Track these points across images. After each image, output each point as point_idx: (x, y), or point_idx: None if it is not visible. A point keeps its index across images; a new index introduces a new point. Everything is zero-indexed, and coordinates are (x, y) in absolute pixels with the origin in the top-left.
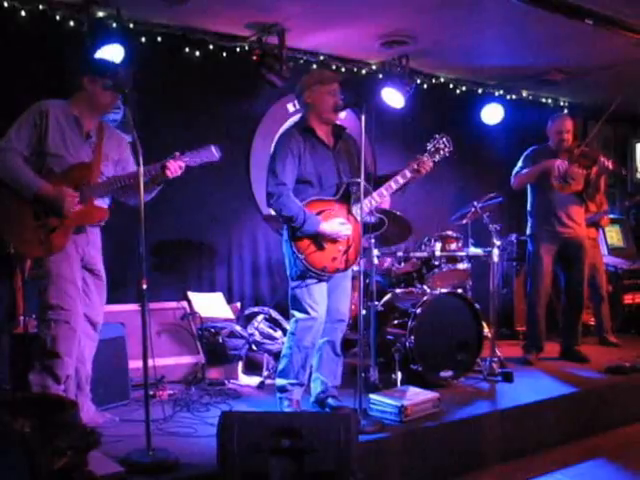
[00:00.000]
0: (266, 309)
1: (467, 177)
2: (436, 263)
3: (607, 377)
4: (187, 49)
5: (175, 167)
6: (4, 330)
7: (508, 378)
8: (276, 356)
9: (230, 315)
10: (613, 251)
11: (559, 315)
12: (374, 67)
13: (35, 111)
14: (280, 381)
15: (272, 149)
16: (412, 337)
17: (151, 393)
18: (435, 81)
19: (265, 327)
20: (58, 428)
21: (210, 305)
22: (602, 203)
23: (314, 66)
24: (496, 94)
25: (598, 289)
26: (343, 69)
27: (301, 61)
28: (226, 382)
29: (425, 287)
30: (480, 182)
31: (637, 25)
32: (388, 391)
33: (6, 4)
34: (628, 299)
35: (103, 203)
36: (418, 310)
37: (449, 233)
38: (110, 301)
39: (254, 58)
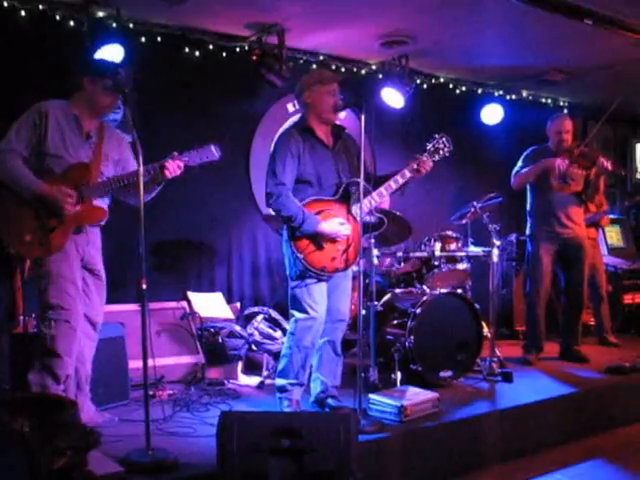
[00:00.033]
0: (266, 309)
1: (467, 177)
2: (436, 263)
3: (607, 377)
4: (187, 49)
5: (174, 167)
6: (4, 330)
7: (508, 378)
8: (276, 356)
9: (230, 315)
10: (613, 251)
11: (559, 315)
12: (374, 67)
13: (35, 112)
14: (280, 381)
15: (271, 149)
16: (412, 337)
17: (151, 393)
18: (435, 81)
19: (265, 327)
20: (58, 428)
21: (210, 305)
22: (602, 203)
23: (314, 66)
24: (496, 94)
25: (598, 289)
26: (343, 69)
27: (301, 61)
28: (226, 382)
29: (425, 287)
30: (480, 182)
31: (636, 25)
32: (388, 391)
33: (6, 4)
34: (628, 299)
35: (103, 203)
36: (418, 310)
37: (449, 233)
38: (110, 301)
39: (254, 58)
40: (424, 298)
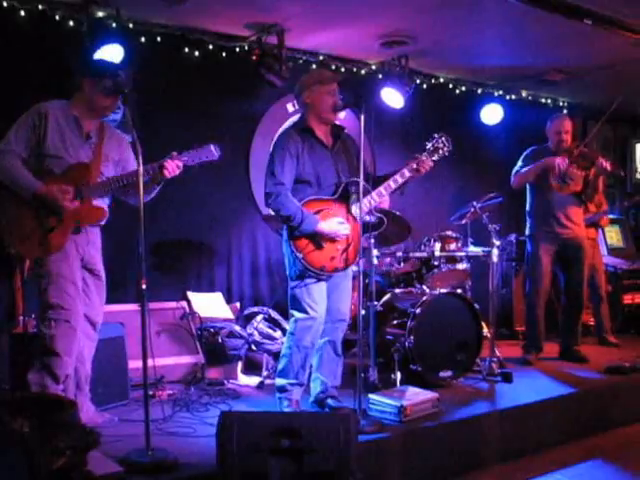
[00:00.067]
0: (265, 309)
1: (466, 177)
2: (435, 263)
3: (607, 377)
4: (186, 49)
5: (173, 166)
6: (4, 330)
7: (507, 378)
8: (275, 356)
9: (229, 315)
10: (613, 251)
11: (559, 315)
12: (374, 67)
13: (34, 113)
14: (280, 381)
15: (271, 149)
16: (411, 337)
17: (150, 393)
18: (435, 81)
19: (264, 327)
20: (57, 428)
21: (209, 305)
22: (602, 203)
23: (314, 66)
24: (495, 94)
25: (597, 289)
26: (343, 69)
27: (300, 61)
28: (225, 382)
29: (424, 287)
30: (479, 182)
31: (636, 25)
32: (387, 391)
33: (5, 4)
34: (627, 299)
35: (102, 203)
36: (417, 310)
37: (448, 233)
38: (110, 301)
39: (253, 58)
40: (424, 298)
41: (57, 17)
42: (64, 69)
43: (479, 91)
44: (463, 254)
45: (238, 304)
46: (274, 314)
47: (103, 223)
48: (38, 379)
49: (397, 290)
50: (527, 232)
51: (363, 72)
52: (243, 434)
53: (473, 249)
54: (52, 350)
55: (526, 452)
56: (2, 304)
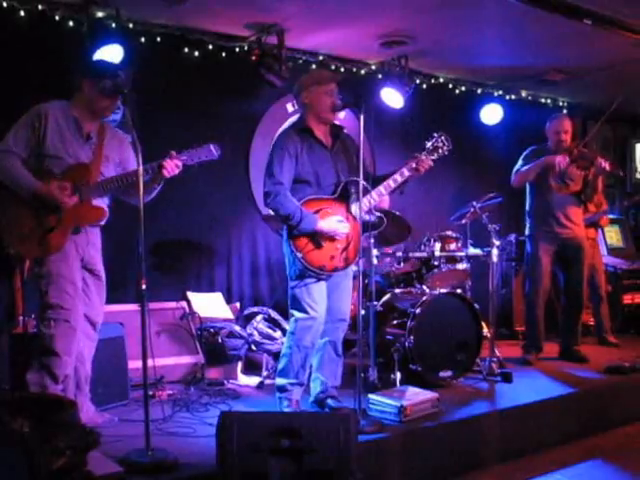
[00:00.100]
0: (265, 309)
1: (466, 177)
2: (435, 263)
3: (606, 377)
4: (186, 49)
5: (172, 166)
6: (3, 330)
7: (507, 378)
8: (275, 356)
9: (229, 315)
10: (612, 251)
11: (558, 315)
12: (373, 67)
13: (34, 114)
14: (280, 381)
15: (270, 149)
16: (411, 337)
17: (150, 393)
18: (434, 81)
19: (264, 327)
20: (57, 428)
21: (209, 305)
22: (601, 203)
23: (313, 66)
24: (495, 94)
25: (597, 289)
26: (342, 69)
27: (300, 61)
28: (225, 382)
29: (424, 287)
30: (479, 182)
31: (636, 25)
32: (387, 391)
33: (5, 4)
34: (627, 299)
35: (102, 203)
36: (417, 310)
37: (448, 233)
38: (109, 301)
39: (253, 58)
40: (424, 298)
41: (57, 17)
42: (64, 69)
43: (479, 91)
44: (463, 254)
45: (238, 304)
46: (274, 314)
47: (103, 223)
48: (37, 379)
49: (397, 290)
50: (527, 232)
51: (363, 72)
52: (243, 434)
53: (473, 249)
54: (51, 350)
55: (526, 452)
56: (2, 304)
